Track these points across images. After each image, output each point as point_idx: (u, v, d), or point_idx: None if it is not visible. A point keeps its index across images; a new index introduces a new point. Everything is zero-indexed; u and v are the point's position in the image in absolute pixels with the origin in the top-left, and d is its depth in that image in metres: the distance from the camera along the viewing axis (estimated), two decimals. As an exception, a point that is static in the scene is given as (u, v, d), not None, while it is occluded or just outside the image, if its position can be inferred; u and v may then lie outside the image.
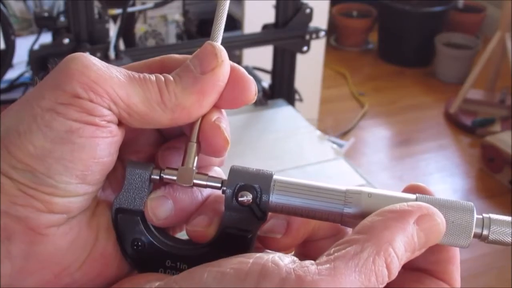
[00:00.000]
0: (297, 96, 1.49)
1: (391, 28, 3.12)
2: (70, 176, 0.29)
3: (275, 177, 0.33)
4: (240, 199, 0.32)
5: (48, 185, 0.29)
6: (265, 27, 1.39)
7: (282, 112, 1.36)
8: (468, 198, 2.25)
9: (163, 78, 0.31)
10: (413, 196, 0.32)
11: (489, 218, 0.32)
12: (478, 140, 2.47)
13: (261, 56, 1.62)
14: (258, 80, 1.50)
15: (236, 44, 1.45)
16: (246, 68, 1.56)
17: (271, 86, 1.45)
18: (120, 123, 0.31)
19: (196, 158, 0.33)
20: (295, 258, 0.28)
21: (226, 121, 0.33)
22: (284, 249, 0.34)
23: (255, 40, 1.40)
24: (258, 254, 0.28)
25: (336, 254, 0.28)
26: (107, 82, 0.30)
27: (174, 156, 0.34)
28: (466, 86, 2.62)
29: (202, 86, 0.31)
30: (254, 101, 0.33)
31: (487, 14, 3.18)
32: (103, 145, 0.30)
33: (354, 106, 2.83)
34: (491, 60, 2.59)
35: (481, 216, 0.32)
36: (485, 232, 0.32)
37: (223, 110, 0.34)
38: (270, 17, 1.40)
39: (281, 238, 0.33)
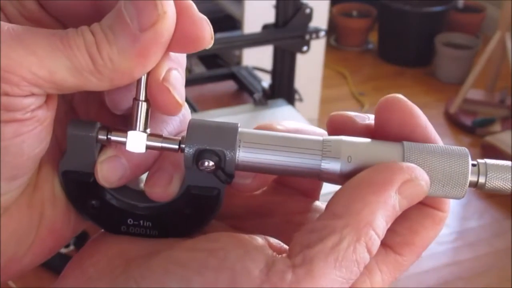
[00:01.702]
0: (297, 96, 1.49)
1: (391, 28, 3.12)
2: None
3: (240, 130, 0.28)
4: (201, 168, 0.28)
5: None
6: (265, 27, 1.40)
7: (282, 112, 1.37)
8: (468, 197, 2.25)
9: (93, 40, 0.25)
10: (399, 147, 0.28)
11: (485, 163, 0.29)
12: (478, 140, 2.47)
13: (261, 56, 1.62)
14: (258, 80, 1.50)
15: (236, 44, 1.45)
16: (246, 68, 1.56)
17: (271, 86, 1.45)
18: (49, 96, 0.26)
19: (148, 117, 0.28)
20: (268, 254, 0.26)
21: (178, 73, 0.28)
22: (254, 191, 0.32)
23: (255, 40, 1.40)
24: (223, 252, 0.26)
25: (312, 249, 0.25)
26: (23, 65, 0.24)
27: (125, 95, 0.29)
28: (466, 86, 2.62)
29: (142, 47, 0.25)
30: (210, 45, 0.27)
31: (487, 14, 3.18)
32: (31, 139, 0.26)
33: (354, 106, 2.83)
34: (491, 60, 2.59)
35: (476, 162, 0.29)
36: (481, 180, 0.28)
37: (175, 57, 0.28)
38: (270, 17, 1.40)
39: (251, 182, 0.31)
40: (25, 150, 0.26)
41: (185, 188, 0.29)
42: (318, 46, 2.04)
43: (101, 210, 0.30)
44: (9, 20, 0.28)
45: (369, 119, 0.31)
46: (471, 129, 2.58)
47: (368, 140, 0.29)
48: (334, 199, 0.27)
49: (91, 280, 0.27)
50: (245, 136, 0.28)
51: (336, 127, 0.31)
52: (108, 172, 0.29)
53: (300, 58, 1.44)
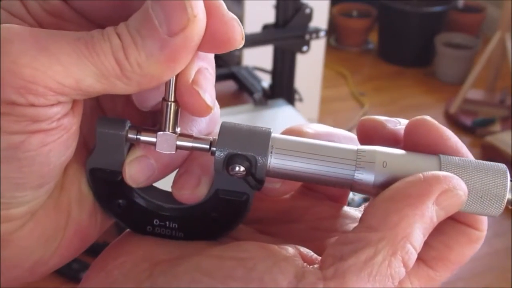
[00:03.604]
0: (297, 96, 1.49)
1: (391, 28, 3.12)
2: (24, 190, 0.25)
3: (273, 135, 0.28)
4: (231, 172, 0.27)
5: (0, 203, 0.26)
6: (265, 27, 1.40)
7: (282, 112, 1.37)
8: (468, 198, 2.25)
9: (120, 44, 0.24)
10: (435, 160, 0.27)
11: None
12: (478, 140, 2.47)
13: (261, 56, 1.62)
14: (258, 80, 1.50)
15: (236, 44, 1.45)
16: (246, 68, 1.56)
17: (271, 86, 1.45)
18: (74, 102, 0.26)
19: (178, 117, 0.28)
20: (298, 266, 0.25)
21: (208, 73, 0.27)
22: (283, 195, 0.31)
23: (255, 40, 1.40)
24: (251, 262, 0.25)
25: (345, 262, 0.24)
26: (48, 75, 0.23)
27: (152, 93, 0.28)
28: (466, 86, 2.62)
29: (171, 51, 0.24)
30: (241, 45, 0.26)
31: (487, 14, 3.18)
32: (57, 148, 0.25)
33: (354, 106, 2.83)
34: (491, 60, 2.59)
35: None
36: None
37: (204, 55, 0.27)
38: (270, 17, 1.40)
39: (280, 186, 0.30)
40: (51, 159, 0.25)
41: (214, 192, 0.29)
42: (318, 46, 2.04)
43: (127, 209, 0.29)
44: (31, 15, 0.27)
45: (400, 124, 0.30)
46: (471, 129, 2.58)
47: (403, 151, 0.28)
48: (369, 211, 0.26)
49: (116, 283, 0.27)
50: (278, 142, 0.28)
51: (366, 131, 0.30)
52: (136, 172, 0.28)
53: (300, 58, 1.44)
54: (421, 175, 0.26)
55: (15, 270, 0.28)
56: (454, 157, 0.28)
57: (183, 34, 0.24)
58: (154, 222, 0.29)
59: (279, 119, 1.33)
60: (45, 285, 1.10)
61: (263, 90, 1.43)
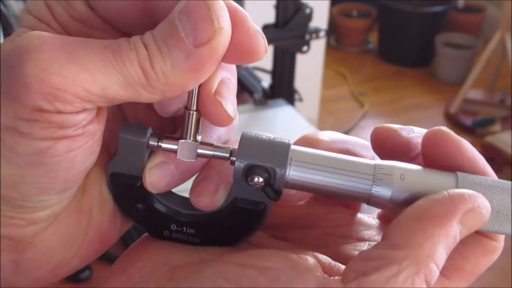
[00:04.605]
0: (297, 96, 1.49)
1: (391, 28, 3.12)
2: (49, 194, 0.26)
3: (292, 147, 0.28)
4: (250, 183, 0.28)
5: (25, 207, 0.26)
6: (265, 27, 1.40)
7: (282, 112, 1.37)
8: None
9: (146, 54, 0.24)
10: (452, 177, 0.28)
11: None
12: (478, 140, 2.47)
13: (261, 56, 1.62)
14: (258, 80, 1.50)
15: (236, 44, 1.44)
16: (246, 69, 1.56)
17: (271, 86, 1.45)
18: (99, 108, 0.26)
19: (199, 126, 0.28)
20: (320, 277, 0.25)
21: (230, 83, 0.27)
22: (298, 201, 0.32)
23: (255, 40, 1.40)
24: (274, 272, 0.25)
25: (368, 278, 0.24)
26: (75, 82, 0.24)
27: (173, 100, 0.29)
28: (466, 86, 2.62)
29: (196, 62, 0.25)
30: (264, 57, 0.27)
31: (487, 14, 3.18)
32: (82, 154, 0.26)
33: (354, 106, 2.83)
34: (491, 60, 2.59)
35: None
36: None
37: (227, 65, 0.28)
38: (270, 17, 1.40)
39: (296, 192, 0.31)
40: (76, 165, 0.26)
41: (231, 200, 0.29)
42: (318, 46, 2.04)
43: (145, 213, 0.30)
44: (57, 21, 0.27)
45: (414, 132, 0.30)
46: (471, 129, 2.58)
47: (420, 167, 0.28)
48: (393, 229, 0.26)
49: (137, 286, 0.27)
50: (297, 154, 0.28)
51: (380, 139, 0.31)
52: (156, 178, 0.29)
53: (300, 58, 1.44)
54: (446, 193, 0.26)
55: (38, 271, 0.28)
56: (470, 175, 0.28)
57: (209, 45, 0.24)
58: (171, 227, 0.30)
59: (279, 119, 1.33)
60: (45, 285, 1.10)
61: (263, 90, 1.43)
